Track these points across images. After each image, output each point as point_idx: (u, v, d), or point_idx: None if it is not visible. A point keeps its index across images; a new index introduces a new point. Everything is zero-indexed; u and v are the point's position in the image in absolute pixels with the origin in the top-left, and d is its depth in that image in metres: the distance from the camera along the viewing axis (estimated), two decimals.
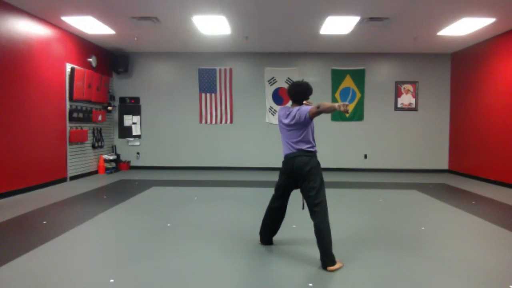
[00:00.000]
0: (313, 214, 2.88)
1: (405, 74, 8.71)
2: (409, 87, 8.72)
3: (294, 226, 3.92)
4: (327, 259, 2.78)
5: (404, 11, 5.63)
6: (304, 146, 2.95)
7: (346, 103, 2.51)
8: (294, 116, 2.94)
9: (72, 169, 7.04)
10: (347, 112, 2.53)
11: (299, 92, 3.04)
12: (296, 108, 2.97)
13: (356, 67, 8.68)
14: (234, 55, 8.73)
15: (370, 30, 6.66)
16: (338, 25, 6.31)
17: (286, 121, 3.01)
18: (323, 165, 3.13)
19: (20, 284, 2.52)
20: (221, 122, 8.82)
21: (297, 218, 4.15)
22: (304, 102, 3.08)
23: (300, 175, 2.93)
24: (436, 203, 5.27)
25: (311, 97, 3.16)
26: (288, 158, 3.01)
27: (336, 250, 2.91)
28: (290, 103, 3.23)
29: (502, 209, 4.91)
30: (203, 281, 2.60)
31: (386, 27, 6.46)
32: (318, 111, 2.73)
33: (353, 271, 2.77)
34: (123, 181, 7.12)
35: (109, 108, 8.33)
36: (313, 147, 2.98)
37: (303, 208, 3.11)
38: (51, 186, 6.31)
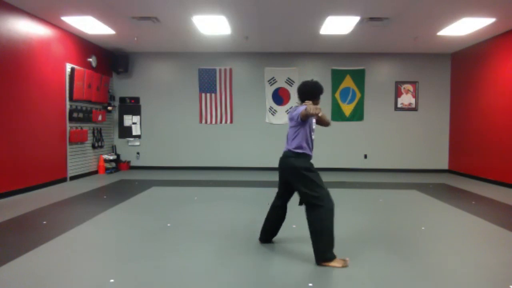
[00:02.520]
0: (306, 211, 2.96)
1: (405, 74, 8.71)
2: (409, 87, 8.72)
3: (294, 226, 3.92)
4: (322, 256, 2.86)
5: (404, 11, 5.63)
6: (292, 146, 3.03)
7: (317, 106, 2.68)
8: (293, 115, 3.06)
9: (72, 169, 7.04)
10: (316, 114, 2.66)
11: (304, 92, 3.11)
12: (299, 107, 3.05)
13: (356, 67, 8.68)
14: (234, 55, 8.73)
15: (370, 30, 6.66)
16: (338, 25, 6.31)
17: (288, 118, 3.16)
18: (323, 165, 3.14)
19: (20, 284, 2.52)
20: (221, 122, 8.82)
21: (297, 218, 4.15)
22: (305, 102, 3.11)
23: (286, 175, 3.06)
24: (436, 203, 5.27)
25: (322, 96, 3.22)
26: (280, 158, 3.13)
27: (336, 250, 2.91)
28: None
29: (502, 209, 4.91)
30: (203, 281, 2.60)
31: (386, 27, 6.46)
32: (305, 114, 2.82)
33: (353, 271, 2.77)
34: (123, 181, 7.13)
35: (109, 108, 8.33)
36: (300, 148, 3.00)
37: (299, 204, 3.11)
38: (51, 186, 6.31)
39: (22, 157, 5.66)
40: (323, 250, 2.84)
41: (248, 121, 8.79)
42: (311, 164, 3.01)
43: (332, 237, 2.86)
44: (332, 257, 2.84)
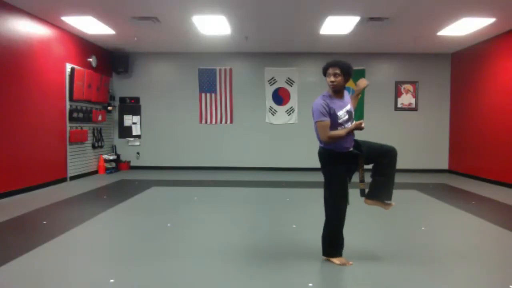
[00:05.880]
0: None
1: (405, 74, 8.71)
2: (409, 87, 8.72)
3: (294, 226, 3.92)
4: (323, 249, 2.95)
5: (404, 11, 5.62)
6: None
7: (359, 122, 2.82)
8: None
9: (72, 169, 7.04)
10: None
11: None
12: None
13: (356, 67, 8.66)
14: (234, 55, 8.73)
15: (370, 30, 6.65)
16: (338, 25, 6.31)
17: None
18: None
19: (20, 284, 2.52)
20: (221, 122, 8.82)
21: (297, 218, 4.16)
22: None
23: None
24: (436, 203, 5.27)
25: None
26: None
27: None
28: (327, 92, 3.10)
29: (502, 209, 4.91)
30: (203, 281, 2.60)
31: (386, 27, 6.45)
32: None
33: (353, 270, 2.77)
34: (123, 181, 7.12)
35: (109, 108, 8.33)
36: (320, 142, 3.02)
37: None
38: (51, 186, 6.31)
39: (22, 157, 5.66)
40: (325, 245, 2.94)
41: (248, 121, 8.78)
42: None
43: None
44: (335, 254, 2.90)
